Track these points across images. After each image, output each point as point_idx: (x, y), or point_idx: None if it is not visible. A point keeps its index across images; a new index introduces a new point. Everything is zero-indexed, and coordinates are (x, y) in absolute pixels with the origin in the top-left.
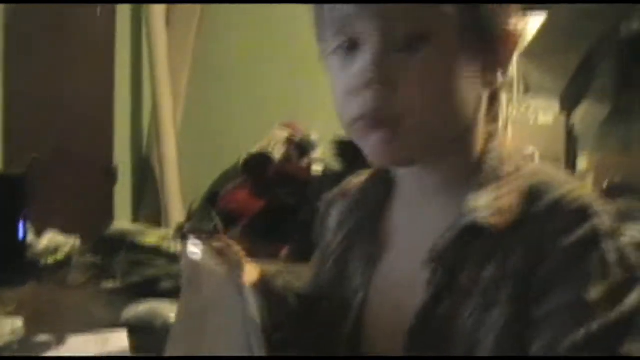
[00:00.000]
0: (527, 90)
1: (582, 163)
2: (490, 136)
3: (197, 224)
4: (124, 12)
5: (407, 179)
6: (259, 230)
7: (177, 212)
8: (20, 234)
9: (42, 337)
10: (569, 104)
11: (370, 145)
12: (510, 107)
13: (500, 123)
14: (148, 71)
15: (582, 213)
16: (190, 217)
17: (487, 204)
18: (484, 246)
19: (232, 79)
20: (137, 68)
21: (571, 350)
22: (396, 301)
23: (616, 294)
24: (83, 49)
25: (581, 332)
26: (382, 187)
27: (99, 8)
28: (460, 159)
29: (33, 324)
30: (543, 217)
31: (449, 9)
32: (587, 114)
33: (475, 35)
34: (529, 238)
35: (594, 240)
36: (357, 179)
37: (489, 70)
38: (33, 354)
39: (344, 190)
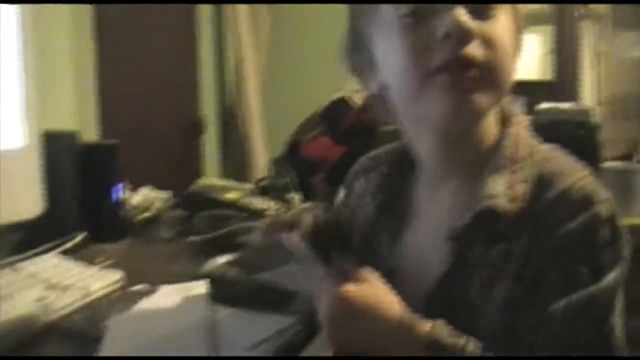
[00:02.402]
0: (617, 24)
1: None
2: (507, 121)
3: (274, 179)
4: None
5: (429, 161)
6: (339, 177)
7: (262, 163)
8: (117, 195)
9: (137, 287)
10: None
11: (453, 92)
12: (601, 42)
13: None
14: (230, 26)
15: (586, 201)
16: (270, 171)
17: (502, 191)
18: (496, 227)
19: (313, 30)
20: (219, 23)
21: (551, 318)
22: (417, 271)
23: (603, 273)
24: (166, 8)
25: (562, 302)
26: (407, 168)
27: None
28: (479, 142)
29: (130, 275)
30: (551, 204)
31: None
32: None
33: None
34: (536, 222)
35: (594, 225)
36: (386, 152)
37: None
38: (130, 303)
39: (377, 162)
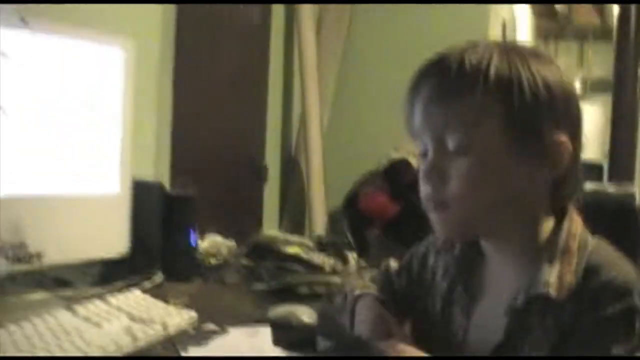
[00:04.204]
0: None
1: None
2: (561, 215)
3: (333, 237)
4: (277, 22)
5: (491, 251)
6: (395, 233)
7: (320, 215)
8: (191, 241)
9: (210, 327)
10: None
11: (432, 220)
12: None
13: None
14: (298, 78)
15: (625, 293)
16: (327, 226)
17: (554, 280)
18: (547, 307)
19: (378, 85)
20: (288, 76)
21: None
22: (480, 340)
23: (632, 352)
24: (239, 56)
25: None
26: (476, 251)
27: (254, 14)
28: (529, 237)
29: (201, 315)
30: (595, 293)
31: (490, 128)
32: None
33: (521, 145)
34: (581, 306)
35: (629, 314)
36: None
37: (539, 171)
38: (202, 340)
39: (450, 243)
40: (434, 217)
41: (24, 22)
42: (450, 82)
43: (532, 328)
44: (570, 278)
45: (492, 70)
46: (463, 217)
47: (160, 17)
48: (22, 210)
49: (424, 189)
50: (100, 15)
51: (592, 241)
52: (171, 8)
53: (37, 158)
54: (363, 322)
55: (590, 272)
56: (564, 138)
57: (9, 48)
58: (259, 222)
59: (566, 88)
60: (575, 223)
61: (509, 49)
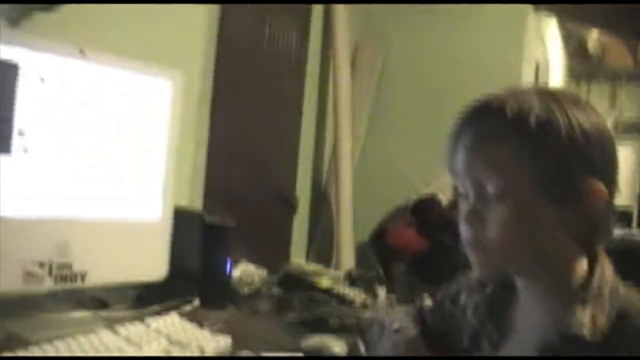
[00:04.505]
0: None
1: None
2: (593, 259)
3: (363, 271)
4: (312, 57)
5: (525, 289)
6: (421, 269)
7: (347, 247)
8: (226, 269)
9: (245, 353)
10: None
11: (470, 259)
12: None
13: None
14: (331, 112)
15: None
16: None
17: (588, 321)
18: (578, 348)
19: (409, 121)
20: (322, 109)
21: None
22: None
23: None
24: (273, 90)
25: None
26: (508, 289)
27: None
28: (562, 278)
29: (234, 342)
30: (625, 337)
31: (528, 174)
32: None
33: (557, 191)
34: (611, 347)
35: None
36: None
37: (574, 216)
38: None
39: (483, 282)
40: (472, 257)
41: (81, 53)
42: (491, 130)
43: None
44: (602, 321)
45: (532, 119)
46: (499, 259)
47: (201, 50)
48: (69, 232)
49: (464, 231)
50: (146, 46)
51: (622, 287)
52: (212, 40)
53: (85, 183)
54: (399, 352)
55: (620, 316)
56: (599, 185)
57: (65, 77)
58: (287, 252)
59: (604, 135)
60: (606, 268)
61: (549, 96)
